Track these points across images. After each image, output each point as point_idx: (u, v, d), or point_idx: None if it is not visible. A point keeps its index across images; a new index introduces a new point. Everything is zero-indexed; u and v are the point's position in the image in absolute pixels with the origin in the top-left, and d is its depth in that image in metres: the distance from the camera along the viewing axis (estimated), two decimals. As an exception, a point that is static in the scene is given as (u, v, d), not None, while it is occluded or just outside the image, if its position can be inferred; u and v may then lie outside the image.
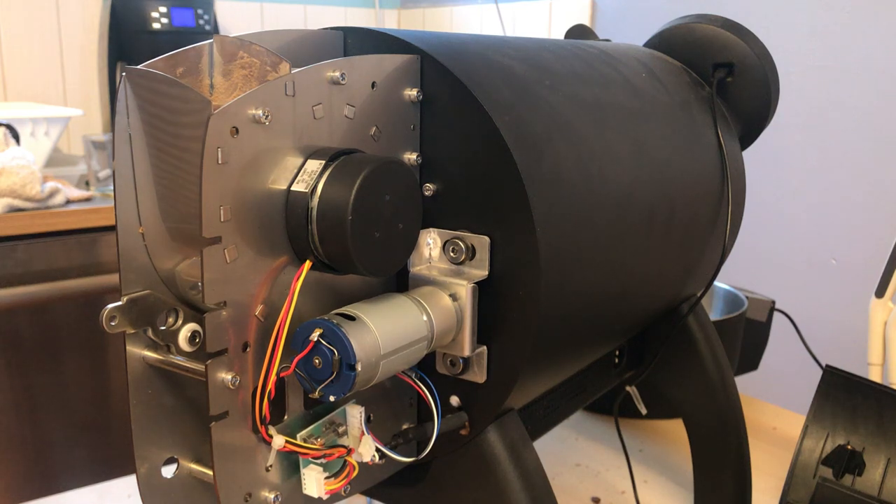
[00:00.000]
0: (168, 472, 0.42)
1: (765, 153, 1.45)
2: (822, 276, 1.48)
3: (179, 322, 0.41)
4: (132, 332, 0.39)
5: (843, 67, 1.42)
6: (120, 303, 0.39)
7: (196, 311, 0.41)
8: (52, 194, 1.41)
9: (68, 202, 1.45)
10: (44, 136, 1.55)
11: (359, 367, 0.37)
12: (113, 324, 0.38)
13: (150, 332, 0.40)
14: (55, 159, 1.71)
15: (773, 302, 1.11)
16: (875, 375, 0.90)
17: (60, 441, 1.49)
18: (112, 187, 1.58)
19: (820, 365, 0.98)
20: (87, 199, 1.48)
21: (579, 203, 0.48)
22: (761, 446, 0.91)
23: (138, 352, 0.40)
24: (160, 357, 0.40)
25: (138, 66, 0.38)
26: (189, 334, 0.41)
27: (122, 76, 0.38)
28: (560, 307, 0.47)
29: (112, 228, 1.42)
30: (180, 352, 0.41)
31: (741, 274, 1.53)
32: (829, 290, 1.47)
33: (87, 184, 1.62)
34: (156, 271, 0.40)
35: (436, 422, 0.45)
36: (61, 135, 1.63)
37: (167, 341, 0.41)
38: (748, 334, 1.06)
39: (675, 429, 0.95)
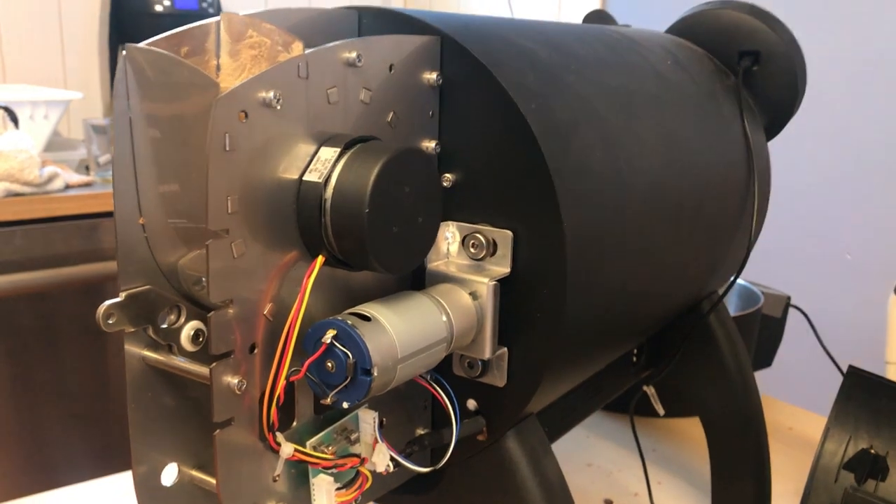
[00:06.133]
0: (168, 479, 0.39)
1: (779, 145, 1.42)
2: (837, 272, 1.46)
3: (182, 320, 0.38)
4: (131, 330, 0.37)
5: (864, 58, 1.39)
6: (118, 299, 0.36)
7: (200, 309, 0.39)
8: (51, 179, 1.38)
9: (67, 187, 1.42)
10: (43, 120, 1.52)
11: (375, 372, 0.35)
12: (110, 322, 0.35)
13: (150, 331, 0.37)
14: (54, 143, 1.67)
15: (789, 298, 1.08)
16: (893, 374, 0.88)
17: (59, 431, 1.46)
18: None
19: (835, 362, 0.96)
20: (87, 185, 1.45)
21: (608, 196, 0.45)
22: (777, 447, 0.89)
23: (137, 352, 0.37)
24: (161, 358, 0.37)
25: (139, 45, 0.35)
26: (192, 333, 0.38)
27: (121, 55, 0.35)
28: (586, 307, 0.44)
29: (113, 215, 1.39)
30: (182, 352, 0.38)
31: (754, 268, 1.50)
32: (844, 286, 1.45)
33: (87, 168, 1.59)
34: (157, 265, 0.37)
35: (454, 429, 0.42)
36: (61, 118, 1.59)
37: (168, 340, 0.38)
38: (762, 330, 1.03)
39: (689, 428, 0.93)
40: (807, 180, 1.48)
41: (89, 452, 1.51)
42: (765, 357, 1.08)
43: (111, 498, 0.77)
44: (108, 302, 0.35)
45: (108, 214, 1.49)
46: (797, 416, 0.98)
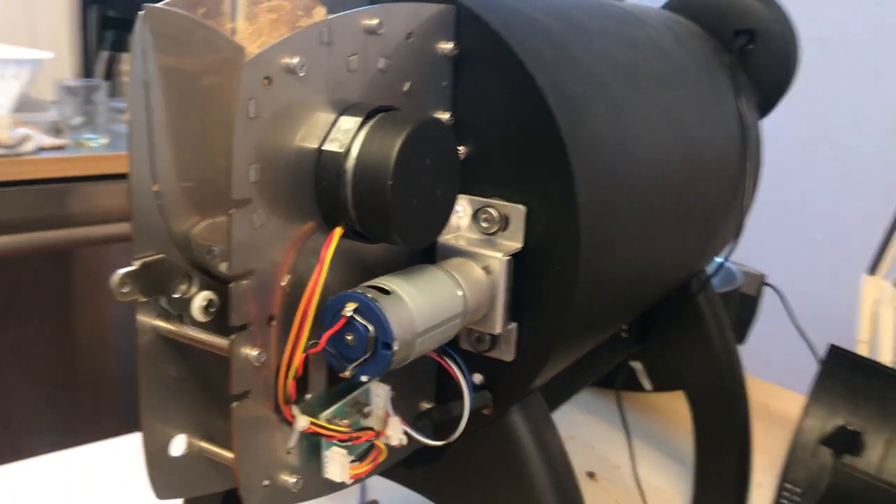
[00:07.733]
0: (177, 450, 0.38)
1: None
2: (809, 252, 1.48)
3: (193, 289, 0.37)
4: (144, 300, 0.36)
5: (843, 38, 1.40)
6: (133, 267, 0.35)
7: (211, 279, 0.38)
8: (23, 141, 1.34)
9: (40, 150, 1.38)
10: (12, 79, 1.47)
11: (395, 346, 0.34)
12: (125, 291, 0.34)
13: (162, 301, 0.36)
14: (22, 104, 1.62)
15: (764, 276, 1.10)
16: (864, 352, 0.89)
17: (24, 399, 1.43)
18: (87, 136, 1.48)
19: (807, 341, 0.97)
20: (60, 148, 1.41)
21: (618, 171, 0.45)
22: (754, 423, 0.90)
23: (149, 322, 0.37)
24: (174, 329, 0.36)
25: (158, 5, 0.34)
26: (204, 303, 0.37)
27: (139, 16, 0.34)
28: (596, 283, 0.44)
29: (87, 179, 1.35)
30: (193, 322, 0.37)
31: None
32: (816, 266, 1.47)
33: (58, 131, 1.54)
34: (170, 234, 0.36)
35: (466, 403, 0.42)
36: (32, 78, 1.54)
37: (179, 310, 0.37)
38: (738, 307, 1.05)
39: (668, 402, 0.94)
40: (779, 159, 1.49)
41: (54, 421, 1.49)
42: (739, 334, 1.09)
43: (76, 470, 0.75)
44: (122, 270, 0.34)
45: (82, 179, 1.45)
46: (772, 392, 1.00)
